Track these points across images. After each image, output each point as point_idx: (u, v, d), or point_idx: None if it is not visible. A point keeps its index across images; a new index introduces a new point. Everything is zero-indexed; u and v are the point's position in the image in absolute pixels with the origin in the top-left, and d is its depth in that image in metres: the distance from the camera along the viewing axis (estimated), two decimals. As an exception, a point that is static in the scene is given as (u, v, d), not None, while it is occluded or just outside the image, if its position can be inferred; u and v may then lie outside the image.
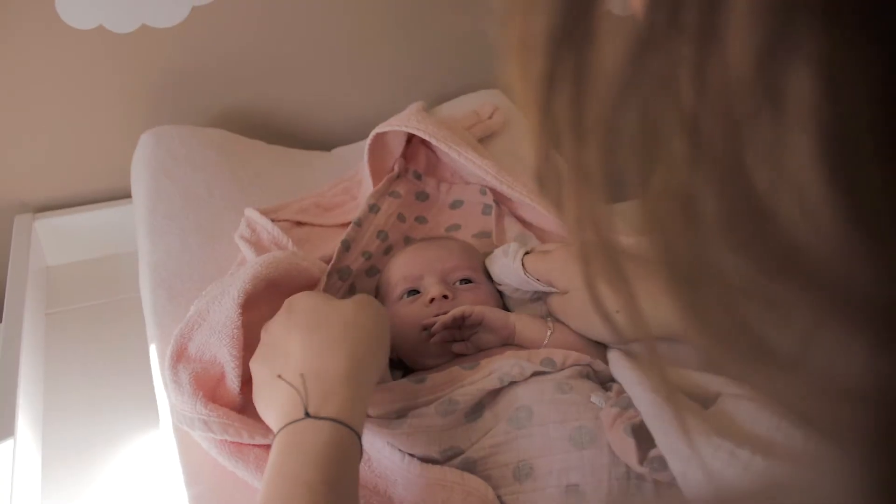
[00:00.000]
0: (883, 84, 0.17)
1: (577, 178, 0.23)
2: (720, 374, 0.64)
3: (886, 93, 0.17)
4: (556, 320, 0.78)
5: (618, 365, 0.72)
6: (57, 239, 1.15)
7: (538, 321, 0.78)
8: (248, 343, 0.72)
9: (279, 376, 0.62)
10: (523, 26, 0.23)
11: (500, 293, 0.84)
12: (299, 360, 0.62)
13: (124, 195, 1.18)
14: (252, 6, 1.11)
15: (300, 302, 0.68)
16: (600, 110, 0.22)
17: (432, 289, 0.79)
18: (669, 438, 0.59)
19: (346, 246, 0.88)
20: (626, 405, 0.66)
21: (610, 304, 0.25)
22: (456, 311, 0.76)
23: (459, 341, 0.77)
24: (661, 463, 0.60)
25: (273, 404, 0.62)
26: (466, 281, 0.82)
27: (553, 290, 0.77)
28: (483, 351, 0.77)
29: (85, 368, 1.01)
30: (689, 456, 0.57)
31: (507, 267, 0.79)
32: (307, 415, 0.58)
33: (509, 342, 0.77)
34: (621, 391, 0.70)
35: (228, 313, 0.71)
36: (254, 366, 0.68)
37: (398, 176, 1.02)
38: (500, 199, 1.01)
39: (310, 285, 0.82)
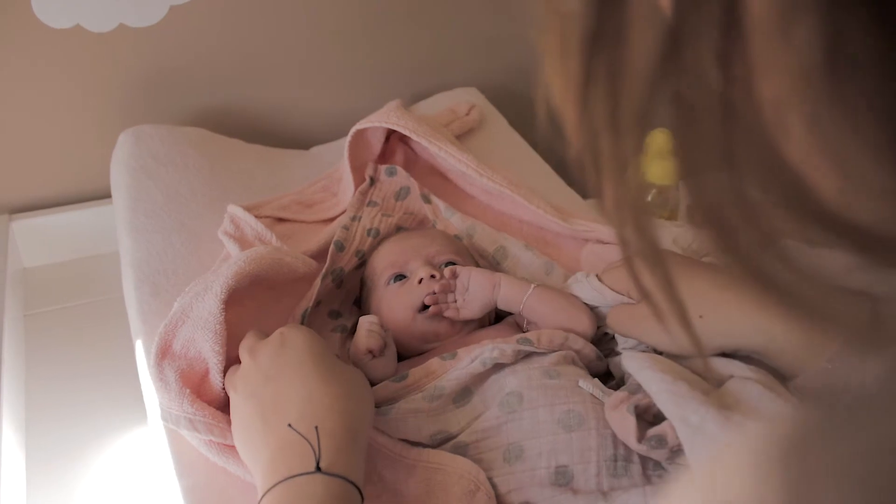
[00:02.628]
0: (882, 39, 0.18)
1: (614, 167, 0.25)
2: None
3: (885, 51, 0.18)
4: (540, 285, 0.80)
5: (626, 352, 0.74)
6: (34, 240, 1.14)
7: (521, 280, 0.80)
8: (232, 338, 0.72)
9: (289, 425, 0.59)
10: (560, 28, 0.25)
11: None
12: (311, 410, 0.60)
13: (101, 195, 1.18)
14: (229, 6, 1.11)
15: (297, 339, 0.66)
16: (635, 103, 0.24)
17: (421, 270, 0.80)
18: (679, 409, 0.61)
19: (339, 247, 0.89)
20: (634, 390, 0.68)
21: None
22: (455, 268, 0.79)
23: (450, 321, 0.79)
24: (659, 441, 0.61)
25: (271, 450, 0.60)
26: (451, 264, 0.83)
27: (629, 300, 0.76)
28: (465, 329, 0.79)
29: (66, 369, 1.00)
30: (697, 425, 0.59)
31: (583, 284, 0.79)
32: (318, 469, 0.57)
33: (494, 302, 0.79)
34: (629, 377, 0.71)
35: (211, 309, 0.71)
36: (238, 395, 0.65)
37: (371, 183, 1.02)
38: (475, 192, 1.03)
39: (294, 280, 0.83)
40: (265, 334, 0.70)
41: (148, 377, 0.79)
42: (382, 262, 0.85)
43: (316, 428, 0.59)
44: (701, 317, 0.65)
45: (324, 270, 0.84)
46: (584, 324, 0.77)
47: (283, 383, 0.62)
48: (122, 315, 1.02)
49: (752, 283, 0.24)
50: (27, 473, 0.89)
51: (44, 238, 1.15)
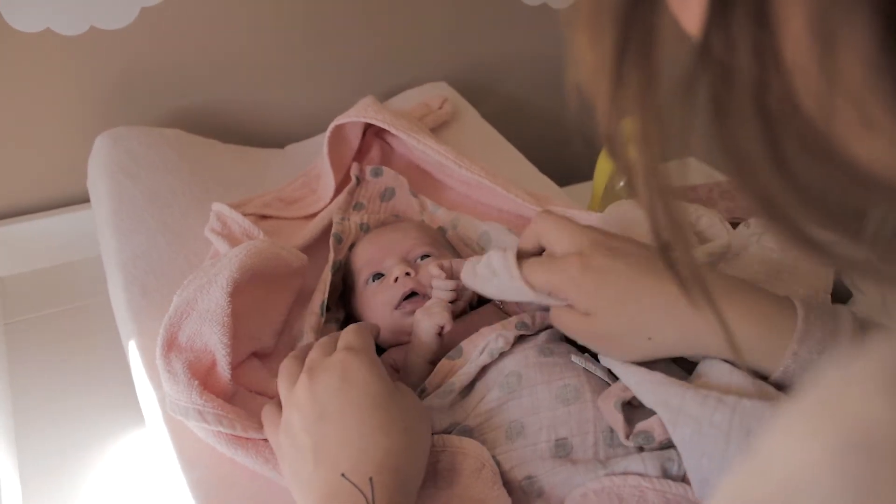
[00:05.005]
0: None
1: (647, 147, 0.25)
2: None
3: None
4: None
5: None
6: (7, 249, 1.12)
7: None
8: (233, 330, 0.73)
9: (342, 475, 0.58)
10: (593, 2, 0.25)
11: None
12: (365, 460, 0.58)
13: (75, 201, 1.17)
14: (200, 6, 1.11)
15: (358, 377, 0.62)
16: (670, 81, 0.24)
17: (395, 269, 0.82)
18: (658, 395, 0.62)
19: (338, 239, 0.90)
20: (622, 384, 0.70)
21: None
22: (455, 282, 0.79)
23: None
24: (646, 438, 0.64)
25: (320, 493, 0.58)
26: (427, 257, 0.85)
27: (562, 303, 0.68)
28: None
29: (52, 375, 0.99)
30: (678, 407, 0.60)
31: (504, 287, 0.70)
32: None
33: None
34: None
35: (219, 301, 0.71)
36: (294, 419, 0.62)
37: (358, 183, 1.03)
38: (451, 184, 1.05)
39: (288, 274, 0.84)
40: (330, 345, 0.67)
41: (143, 377, 0.79)
42: (359, 262, 0.87)
43: (371, 479, 0.57)
44: (650, 339, 0.64)
45: (330, 262, 0.85)
46: None
47: (338, 426, 0.60)
48: (103, 319, 1.01)
49: (800, 248, 0.25)
50: (22, 486, 0.88)
51: (17, 246, 1.13)
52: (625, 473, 0.63)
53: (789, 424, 0.24)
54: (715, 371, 0.65)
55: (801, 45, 0.21)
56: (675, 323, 0.63)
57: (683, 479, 0.62)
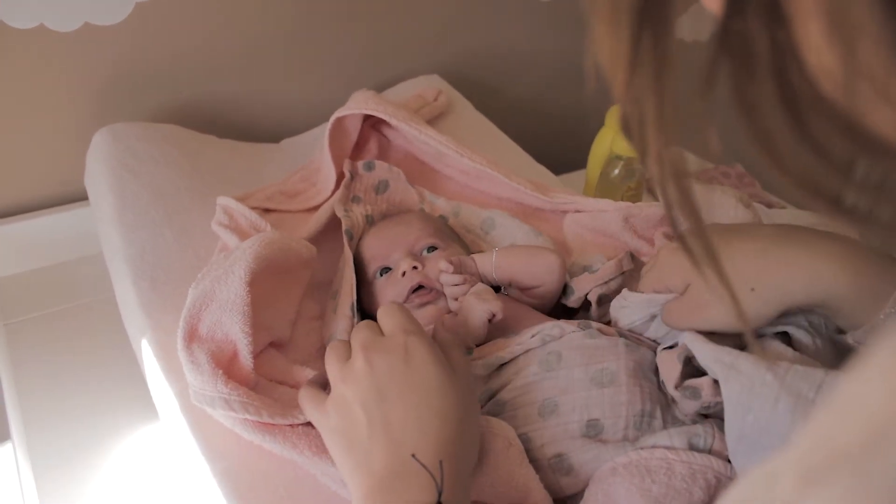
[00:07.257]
0: None
1: (659, 130, 0.27)
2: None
3: None
4: (502, 248, 0.83)
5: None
6: (3, 249, 1.11)
7: (485, 252, 0.84)
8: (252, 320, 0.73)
9: (413, 455, 0.57)
10: None
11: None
12: (428, 444, 0.58)
13: (69, 199, 1.15)
14: (194, 1, 1.10)
15: (421, 359, 0.62)
16: (690, 68, 0.26)
17: (402, 263, 0.83)
18: (712, 352, 0.64)
19: (349, 235, 0.90)
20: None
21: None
22: (462, 276, 0.80)
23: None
24: (693, 393, 0.65)
25: (379, 471, 0.58)
26: (432, 248, 0.86)
27: (672, 295, 0.72)
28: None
29: (56, 374, 0.98)
30: (730, 363, 0.62)
31: (628, 308, 0.75)
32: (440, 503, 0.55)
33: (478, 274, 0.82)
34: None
35: (238, 291, 0.72)
36: (348, 393, 0.61)
37: (352, 178, 1.03)
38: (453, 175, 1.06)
39: (299, 265, 0.84)
40: (376, 326, 0.67)
41: (157, 371, 0.79)
42: (366, 256, 0.88)
43: (441, 462, 0.57)
44: (753, 290, 0.63)
45: (350, 262, 0.86)
46: (554, 263, 0.80)
47: (399, 408, 0.60)
48: (105, 316, 1.01)
49: (831, 216, 0.26)
50: (36, 482, 0.87)
51: (12, 247, 1.11)
52: (652, 447, 0.64)
53: (873, 367, 0.24)
54: (768, 344, 0.67)
55: (817, 31, 0.22)
56: (771, 269, 0.64)
57: (710, 452, 0.64)
